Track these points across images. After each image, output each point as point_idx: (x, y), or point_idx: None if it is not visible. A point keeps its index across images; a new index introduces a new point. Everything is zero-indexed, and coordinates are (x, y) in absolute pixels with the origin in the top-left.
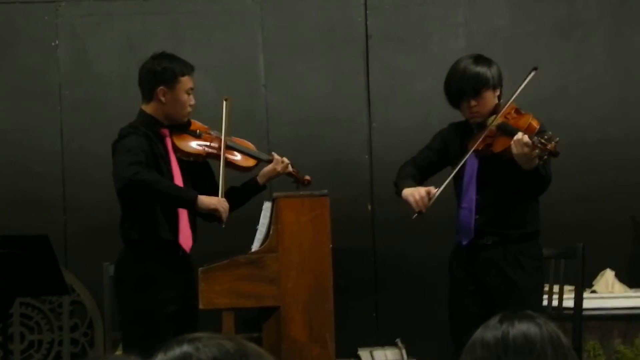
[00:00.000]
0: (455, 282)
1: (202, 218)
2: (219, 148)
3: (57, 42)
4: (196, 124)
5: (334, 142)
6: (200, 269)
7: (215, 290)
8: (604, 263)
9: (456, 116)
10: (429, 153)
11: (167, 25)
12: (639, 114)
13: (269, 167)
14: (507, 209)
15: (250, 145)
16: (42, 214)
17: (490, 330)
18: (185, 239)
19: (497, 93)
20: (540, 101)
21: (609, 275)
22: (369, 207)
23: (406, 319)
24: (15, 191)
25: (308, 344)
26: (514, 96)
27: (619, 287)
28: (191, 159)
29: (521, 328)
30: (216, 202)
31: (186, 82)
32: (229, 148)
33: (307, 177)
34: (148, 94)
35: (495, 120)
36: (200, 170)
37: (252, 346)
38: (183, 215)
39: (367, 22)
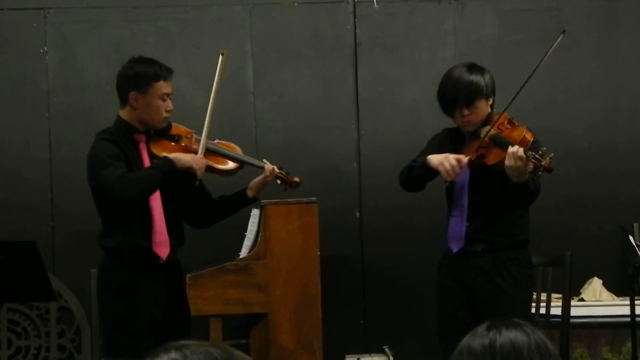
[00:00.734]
0: (445, 290)
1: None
2: (197, 151)
3: (45, 49)
4: (180, 129)
5: (322, 149)
6: (188, 275)
7: (203, 297)
8: (592, 271)
9: (445, 124)
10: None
11: (156, 33)
12: (627, 122)
13: (259, 178)
14: (498, 217)
15: (235, 149)
16: (30, 220)
17: (477, 338)
18: (161, 247)
19: (490, 102)
20: (529, 109)
21: (596, 283)
22: (357, 215)
23: (394, 326)
24: (3, 197)
25: (296, 351)
26: (543, 59)
27: (606, 295)
28: None
29: (509, 335)
30: (190, 158)
31: (160, 87)
32: (209, 151)
33: (296, 179)
34: (122, 99)
35: (489, 132)
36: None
37: (240, 354)
38: (159, 223)
39: (356, 30)
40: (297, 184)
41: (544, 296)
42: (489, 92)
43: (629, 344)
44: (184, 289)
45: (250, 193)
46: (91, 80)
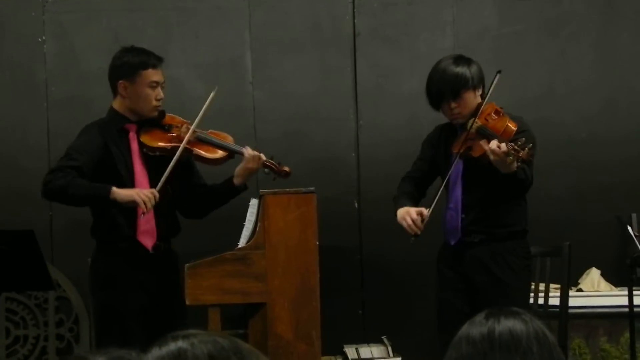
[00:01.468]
0: (443, 281)
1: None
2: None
3: (43, 38)
4: (175, 119)
5: (321, 139)
6: (186, 265)
7: (201, 287)
8: (590, 262)
9: (442, 114)
10: (421, 164)
11: (155, 22)
12: (625, 113)
13: (241, 165)
14: (493, 208)
15: (227, 138)
16: (28, 210)
17: (476, 327)
18: (145, 236)
19: (479, 93)
20: (527, 100)
21: (594, 273)
22: (356, 205)
23: (392, 317)
24: (1, 187)
25: (294, 341)
26: (486, 99)
27: (604, 286)
28: (157, 153)
29: (507, 324)
30: (133, 192)
31: (149, 75)
32: (197, 139)
33: (286, 168)
34: (113, 89)
35: (475, 124)
36: (185, 166)
37: (246, 344)
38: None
39: (355, 20)
40: (287, 174)
41: (542, 286)
42: (476, 83)
43: (627, 334)
44: (178, 279)
45: (236, 181)
46: (89, 69)
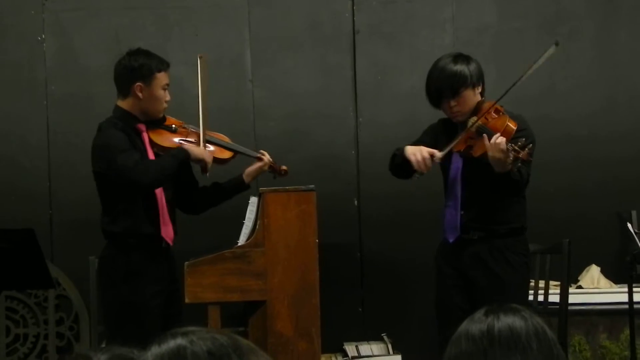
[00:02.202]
0: (442, 276)
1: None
2: (196, 142)
3: (43, 36)
4: (171, 120)
5: (320, 137)
6: (186, 263)
7: (201, 285)
8: (590, 259)
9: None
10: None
11: (154, 20)
12: (626, 110)
13: (256, 166)
14: (492, 205)
15: (225, 138)
16: (28, 208)
17: (475, 323)
18: (167, 231)
19: (479, 90)
20: (528, 98)
21: (594, 270)
22: (356, 203)
23: (392, 314)
24: (1, 185)
25: (294, 339)
26: (533, 67)
27: (604, 283)
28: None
29: (507, 321)
30: (202, 151)
31: (162, 78)
32: (208, 142)
33: (284, 167)
34: (124, 90)
35: (475, 123)
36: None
37: (245, 341)
38: (163, 207)
39: (355, 18)
40: (286, 172)
41: (542, 283)
42: (475, 81)
43: (626, 331)
44: (178, 274)
45: (247, 179)
46: (89, 68)
